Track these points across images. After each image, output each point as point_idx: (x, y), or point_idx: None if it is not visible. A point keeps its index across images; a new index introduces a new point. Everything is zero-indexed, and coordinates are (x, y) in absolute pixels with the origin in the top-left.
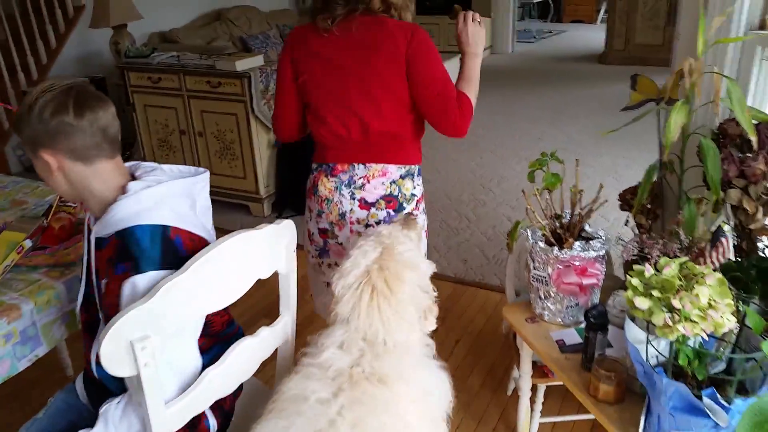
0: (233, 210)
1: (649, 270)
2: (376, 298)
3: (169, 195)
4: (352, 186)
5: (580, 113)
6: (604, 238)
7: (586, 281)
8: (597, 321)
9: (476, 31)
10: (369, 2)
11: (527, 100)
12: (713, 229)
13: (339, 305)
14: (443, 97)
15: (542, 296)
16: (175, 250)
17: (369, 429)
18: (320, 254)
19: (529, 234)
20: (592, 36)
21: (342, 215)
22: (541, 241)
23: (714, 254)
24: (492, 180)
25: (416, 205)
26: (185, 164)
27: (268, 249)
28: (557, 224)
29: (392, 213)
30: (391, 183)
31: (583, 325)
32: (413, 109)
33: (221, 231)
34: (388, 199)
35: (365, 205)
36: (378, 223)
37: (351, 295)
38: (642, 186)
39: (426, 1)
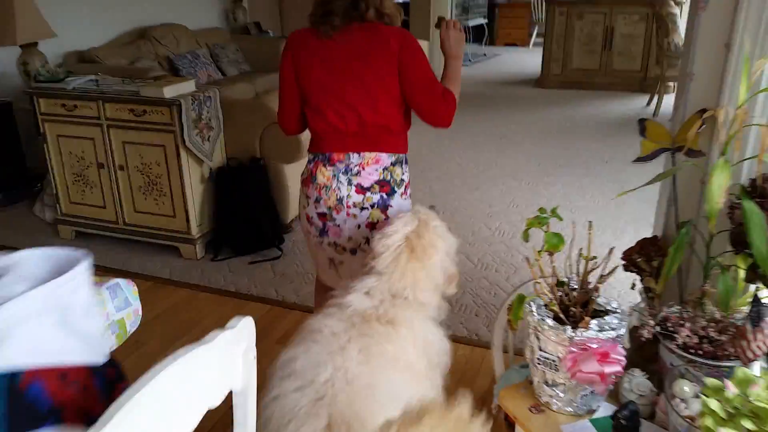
0: (161, 253)
1: (730, 388)
2: (413, 259)
3: (22, 318)
4: (349, 173)
5: (524, 140)
6: (621, 312)
7: (608, 369)
8: (629, 424)
9: (458, 37)
10: (365, 14)
11: (470, 126)
12: (747, 298)
13: (377, 260)
14: (431, 93)
15: (550, 382)
16: (29, 406)
17: (373, 354)
18: (320, 234)
19: (534, 308)
20: (527, 59)
21: (340, 200)
22: (549, 317)
23: (759, 336)
24: (445, 212)
25: (405, 190)
26: (104, 202)
27: (220, 368)
28: (564, 295)
29: (385, 196)
30: (383, 169)
31: (597, 415)
32: (403, 104)
33: (145, 279)
34: (382, 183)
35: (361, 189)
36: (372, 206)
37: (390, 254)
38: (671, 257)
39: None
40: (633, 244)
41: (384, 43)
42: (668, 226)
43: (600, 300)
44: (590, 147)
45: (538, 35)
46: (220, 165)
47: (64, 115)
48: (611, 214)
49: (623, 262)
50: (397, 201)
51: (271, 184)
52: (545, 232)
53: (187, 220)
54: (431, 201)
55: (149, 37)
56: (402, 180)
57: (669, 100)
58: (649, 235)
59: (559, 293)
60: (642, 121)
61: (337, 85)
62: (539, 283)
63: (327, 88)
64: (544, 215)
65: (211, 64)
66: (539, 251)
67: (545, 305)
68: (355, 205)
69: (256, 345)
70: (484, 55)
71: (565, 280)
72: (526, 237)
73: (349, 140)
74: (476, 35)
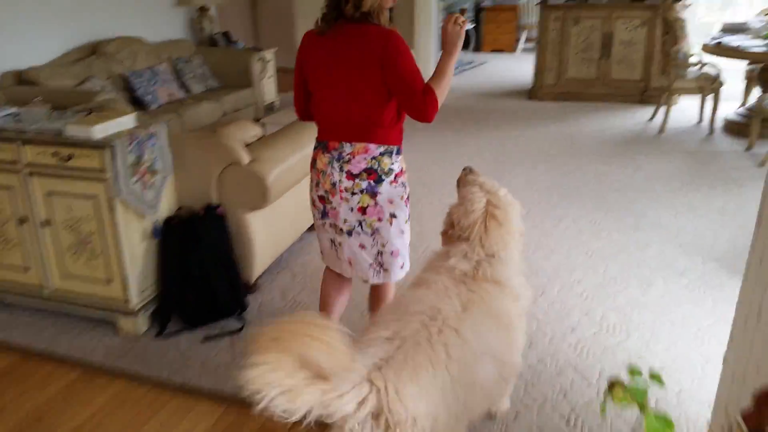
0: (93, 328)
1: None
2: (496, 224)
3: None
4: (341, 160)
5: (522, 163)
6: None
7: None
8: None
9: (453, 33)
10: (347, 12)
11: (460, 147)
12: None
13: (468, 230)
14: (410, 90)
15: None
16: None
17: (484, 307)
18: (322, 216)
19: None
20: (516, 67)
21: (333, 184)
22: None
23: None
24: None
25: (395, 178)
26: (26, 264)
27: None
28: None
29: (372, 183)
30: (372, 159)
31: None
32: (390, 99)
33: (72, 367)
34: (369, 171)
35: (351, 176)
36: (361, 191)
37: (474, 222)
38: None
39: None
40: (664, 298)
41: (368, 43)
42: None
43: None
44: (597, 171)
45: (526, 41)
46: (168, 216)
47: None
48: (633, 258)
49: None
50: (386, 188)
51: (231, 236)
52: (643, 412)
53: (125, 287)
54: (420, 244)
55: (102, 52)
56: (391, 169)
57: (677, 114)
58: (682, 286)
59: None
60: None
61: (331, 80)
62: None
63: (323, 83)
64: (639, 384)
65: (173, 80)
66: None
67: None
68: (346, 190)
69: None
70: (471, 62)
71: None
72: (603, 412)
73: (342, 131)
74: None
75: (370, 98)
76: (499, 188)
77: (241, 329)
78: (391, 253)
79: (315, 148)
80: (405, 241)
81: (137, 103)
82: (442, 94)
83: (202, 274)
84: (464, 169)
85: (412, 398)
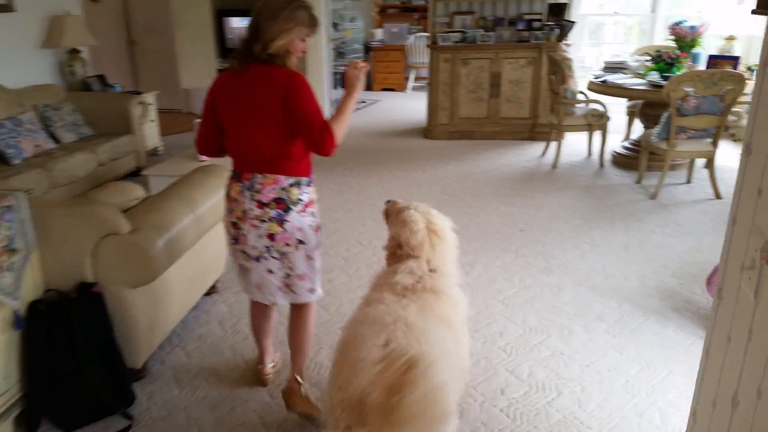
0: None
1: None
2: (437, 241)
3: None
4: (252, 190)
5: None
6: None
7: None
8: None
9: (353, 76)
10: (256, 53)
11: (365, 186)
12: None
13: (415, 249)
14: (309, 126)
15: None
16: None
17: (429, 311)
18: (234, 242)
19: None
20: (408, 105)
21: (244, 212)
22: None
23: None
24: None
25: (303, 208)
26: None
27: None
28: None
29: (281, 212)
30: (281, 189)
31: None
32: (296, 134)
33: None
34: (278, 201)
35: (260, 205)
36: (270, 219)
37: (420, 242)
38: None
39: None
40: (587, 346)
41: (272, 82)
42: None
43: None
44: (500, 211)
45: (415, 79)
46: (33, 300)
47: None
48: (550, 304)
49: None
50: (293, 217)
51: (110, 319)
52: None
53: None
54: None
55: None
56: (299, 199)
57: (566, 148)
58: (602, 331)
59: None
60: None
61: (241, 117)
62: None
63: (234, 119)
64: None
65: (39, 130)
66: None
67: None
68: (256, 218)
69: None
70: (363, 101)
71: None
72: None
73: (253, 163)
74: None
75: (277, 133)
76: (430, 208)
77: (128, 429)
78: (299, 276)
79: (230, 177)
80: (314, 266)
81: None
82: (339, 130)
83: (77, 366)
84: (387, 202)
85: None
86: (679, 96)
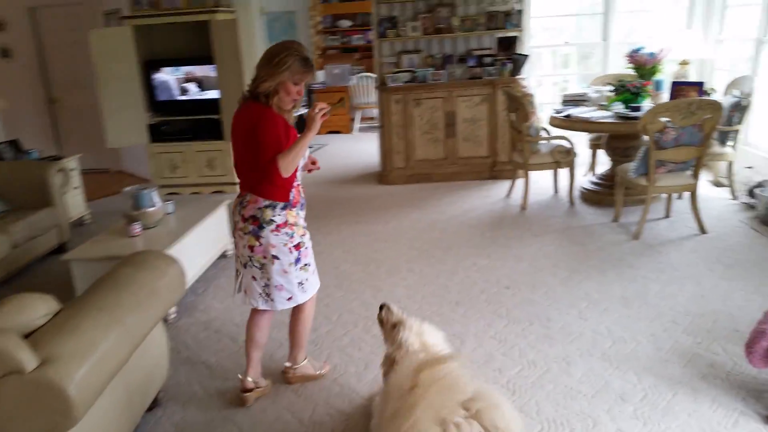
0: None
1: None
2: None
3: None
4: (241, 205)
5: (398, 263)
6: None
7: None
8: None
9: (312, 117)
10: (252, 92)
11: (325, 248)
12: None
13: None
14: (262, 156)
15: None
16: None
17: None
18: (235, 247)
19: None
20: (356, 147)
21: (236, 223)
22: None
23: None
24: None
25: (276, 228)
26: None
27: None
28: None
29: (256, 228)
30: (258, 209)
31: None
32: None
33: None
34: (254, 218)
35: (244, 219)
36: (248, 233)
37: (412, 349)
38: None
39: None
40: None
41: (250, 116)
42: None
43: None
44: (477, 265)
45: (361, 120)
46: None
47: None
48: (562, 385)
49: None
50: (267, 234)
51: None
52: None
53: None
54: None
55: None
56: (272, 220)
57: (531, 186)
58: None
59: None
60: None
61: (236, 146)
62: None
63: (234, 148)
64: None
65: None
66: None
67: None
68: (241, 230)
69: None
70: (311, 146)
71: None
72: None
73: (244, 183)
74: (298, 127)
75: (253, 160)
76: (422, 324)
77: None
78: (276, 287)
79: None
80: (290, 279)
81: None
82: (283, 162)
83: None
84: (381, 307)
85: None
86: (657, 128)
